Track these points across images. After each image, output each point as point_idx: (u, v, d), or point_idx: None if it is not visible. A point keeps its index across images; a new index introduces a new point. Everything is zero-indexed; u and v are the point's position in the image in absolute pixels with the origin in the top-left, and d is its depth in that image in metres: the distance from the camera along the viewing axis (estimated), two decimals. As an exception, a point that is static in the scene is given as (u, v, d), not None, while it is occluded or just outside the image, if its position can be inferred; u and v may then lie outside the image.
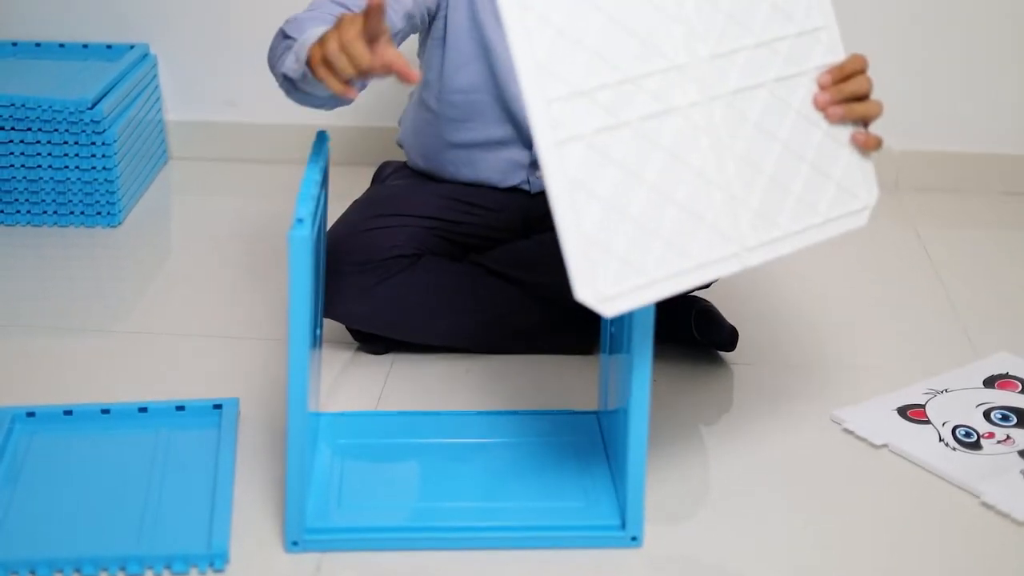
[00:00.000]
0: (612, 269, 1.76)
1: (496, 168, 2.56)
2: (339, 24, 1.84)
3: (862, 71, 1.96)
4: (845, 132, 1.94)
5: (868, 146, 1.95)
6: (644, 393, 1.92)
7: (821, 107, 1.93)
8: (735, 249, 1.85)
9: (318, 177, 1.99)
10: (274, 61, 2.18)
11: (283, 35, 2.19)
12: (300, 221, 1.82)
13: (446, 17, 2.42)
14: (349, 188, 2.86)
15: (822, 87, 1.93)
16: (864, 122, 1.96)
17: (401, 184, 2.66)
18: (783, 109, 1.90)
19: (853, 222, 1.96)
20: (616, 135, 1.78)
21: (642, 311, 1.87)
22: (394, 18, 2.29)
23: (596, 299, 1.75)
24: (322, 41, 1.85)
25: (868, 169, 1.96)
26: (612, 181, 1.77)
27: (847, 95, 1.94)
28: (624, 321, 1.97)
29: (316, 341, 2.12)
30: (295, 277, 1.84)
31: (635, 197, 1.79)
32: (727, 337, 2.54)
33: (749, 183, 1.87)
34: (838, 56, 1.94)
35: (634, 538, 2.01)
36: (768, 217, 1.88)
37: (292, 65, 2.04)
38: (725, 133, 1.85)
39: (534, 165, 2.54)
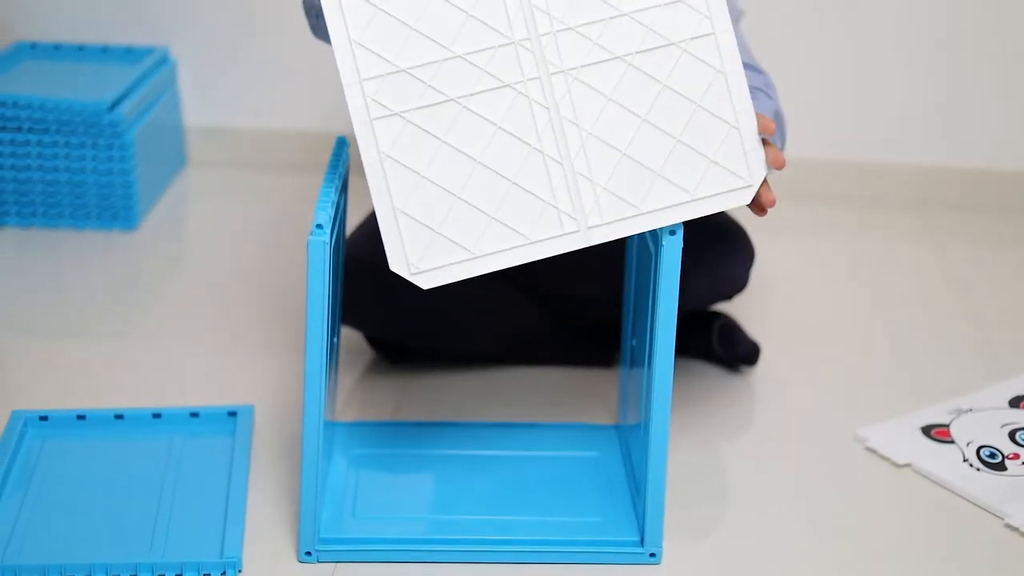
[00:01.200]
0: (426, 243, 1.79)
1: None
2: None
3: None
4: (726, 107, 1.83)
5: (777, 164, 1.84)
6: (665, 408, 1.90)
7: None
8: (575, 227, 1.82)
9: (337, 183, 1.97)
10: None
11: None
12: (319, 227, 1.81)
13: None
14: (369, 197, 2.84)
15: None
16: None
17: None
18: (646, 83, 1.81)
19: (733, 200, 1.84)
20: (440, 111, 1.78)
21: (665, 325, 1.85)
22: None
23: (408, 272, 1.79)
24: None
25: (752, 146, 1.84)
26: (432, 156, 1.78)
27: None
28: (646, 335, 1.94)
29: (333, 349, 2.09)
30: (313, 283, 1.82)
31: (458, 172, 1.79)
32: (749, 352, 2.52)
33: (598, 159, 1.81)
34: (722, 26, 1.82)
35: (653, 555, 1.99)
36: (620, 195, 1.82)
37: None
38: (569, 109, 1.80)
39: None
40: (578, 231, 1.82)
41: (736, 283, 2.47)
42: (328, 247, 1.82)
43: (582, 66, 1.80)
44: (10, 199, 3.07)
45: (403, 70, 1.77)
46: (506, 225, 1.80)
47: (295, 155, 3.44)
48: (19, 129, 3.03)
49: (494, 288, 2.47)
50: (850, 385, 2.53)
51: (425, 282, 1.80)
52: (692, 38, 1.82)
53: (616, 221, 1.82)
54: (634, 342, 2.09)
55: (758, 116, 1.84)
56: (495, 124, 1.79)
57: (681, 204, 1.83)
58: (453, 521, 2.04)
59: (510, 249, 1.81)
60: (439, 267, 1.80)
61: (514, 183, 1.80)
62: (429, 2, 1.77)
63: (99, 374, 2.49)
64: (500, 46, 1.79)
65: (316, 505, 1.94)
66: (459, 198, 1.79)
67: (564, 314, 2.50)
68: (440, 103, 1.78)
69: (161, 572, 1.93)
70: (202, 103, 3.46)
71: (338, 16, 1.75)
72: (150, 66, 3.26)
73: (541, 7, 1.79)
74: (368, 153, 1.77)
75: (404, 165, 1.78)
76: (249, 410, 2.29)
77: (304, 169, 3.37)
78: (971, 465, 2.25)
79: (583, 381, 2.51)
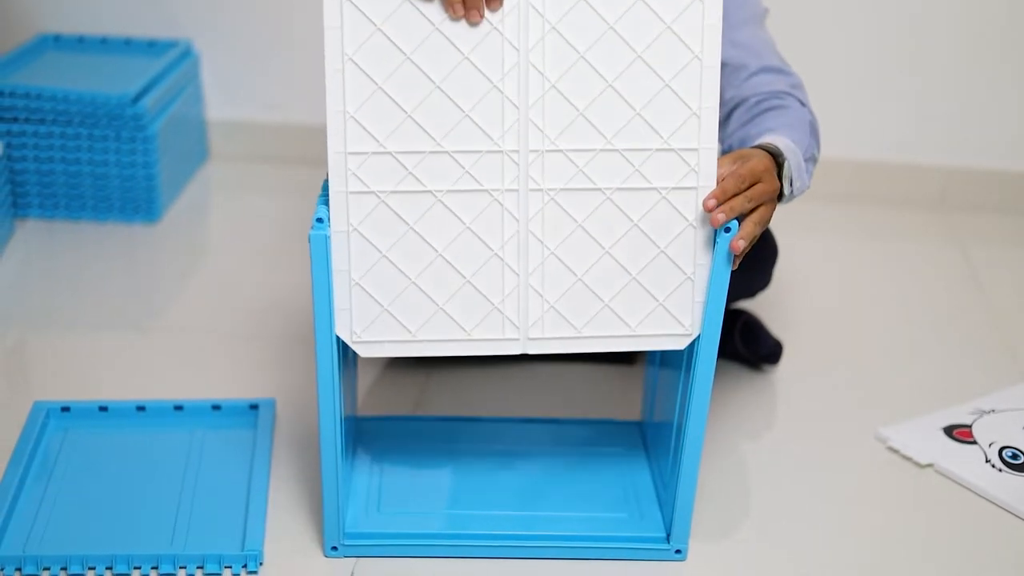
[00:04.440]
0: (372, 316, 1.85)
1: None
2: None
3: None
4: (688, 257, 1.85)
5: (736, 249, 1.80)
6: (703, 406, 1.90)
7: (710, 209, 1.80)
8: (516, 335, 1.87)
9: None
10: None
11: None
12: (320, 221, 1.81)
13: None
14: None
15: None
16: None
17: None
18: (617, 219, 1.84)
19: (668, 343, 1.89)
20: (416, 199, 1.81)
21: (709, 328, 1.85)
22: None
23: (350, 339, 1.86)
24: None
25: (702, 301, 1.86)
26: (397, 238, 1.83)
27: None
28: None
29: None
30: (317, 277, 1.82)
31: (419, 259, 1.84)
32: (771, 350, 2.51)
33: (553, 278, 1.86)
34: (707, 182, 1.82)
35: (679, 551, 1.99)
36: (565, 315, 1.87)
37: None
38: (538, 226, 1.83)
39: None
40: (518, 339, 1.88)
41: (759, 281, 2.47)
42: (329, 240, 1.81)
43: (561, 189, 1.82)
44: (33, 191, 3.07)
45: (389, 152, 1.79)
46: (451, 318, 1.86)
47: (317, 149, 3.42)
48: (42, 121, 3.04)
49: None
50: (872, 385, 2.52)
51: (364, 351, 1.87)
52: (674, 187, 1.83)
53: (555, 339, 1.88)
54: None
55: (732, 244, 1.80)
56: (464, 223, 1.83)
57: (620, 336, 1.89)
58: (478, 516, 2.04)
59: (449, 341, 1.88)
60: (379, 341, 1.87)
61: (469, 281, 1.85)
62: (430, 93, 1.78)
63: (121, 366, 2.49)
64: (488, 151, 1.81)
65: (339, 500, 1.94)
66: (414, 283, 1.84)
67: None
68: (417, 192, 1.81)
69: (182, 564, 1.93)
70: (225, 96, 3.46)
71: (339, 87, 1.77)
72: (173, 59, 3.27)
73: (537, 123, 1.80)
74: (338, 223, 1.81)
75: (369, 242, 1.82)
76: (271, 403, 2.30)
77: (326, 163, 3.36)
78: (993, 466, 2.25)
79: (605, 377, 2.50)
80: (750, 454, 2.29)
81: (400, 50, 1.76)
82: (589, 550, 1.99)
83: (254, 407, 2.29)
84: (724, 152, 2.10)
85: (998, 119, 3.34)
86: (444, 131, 1.79)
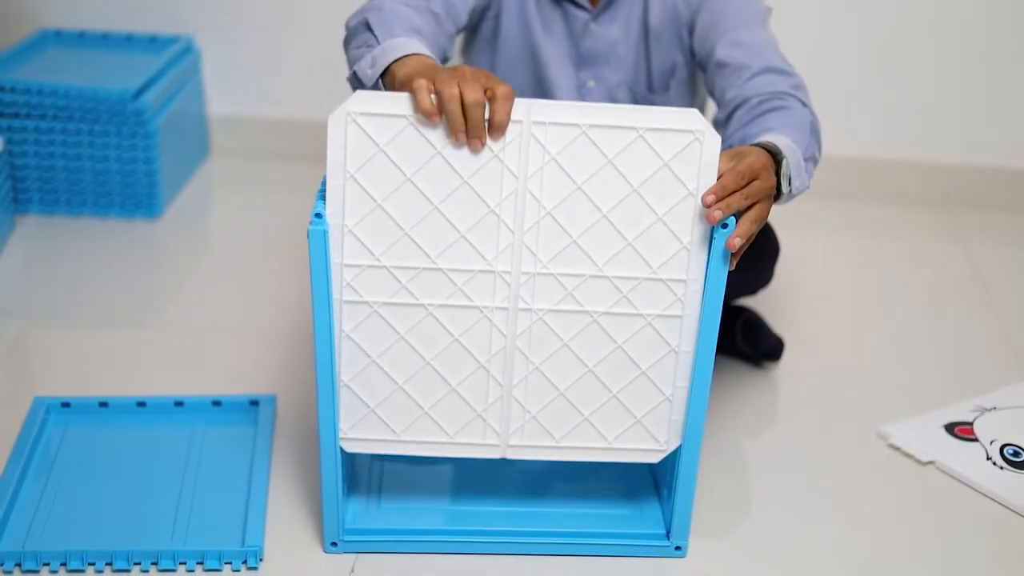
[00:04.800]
0: (359, 416, 1.91)
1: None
2: (461, 75, 1.76)
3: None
4: (668, 380, 1.89)
5: (732, 247, 1.78)
6: (702, 402, 1.90)
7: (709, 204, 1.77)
8: (496, 441, 1.93)
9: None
10: (349, 48, 2.09)
11: (366, 25, 2.05)
12: (318, 216, 1.81)
13: (497, 18, 2.39)
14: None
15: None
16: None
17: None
18: (602, 341, 1.87)
19: (643, 457, 1.95)
20: (408, 311, 1.84)
21: (708, 325, 1.85)
22: (461, 11, 2.23)
23: (336, 436, 1.91)
24: (438, 79, 1.76)
25: (679, 419, 1.91)
26: (388, 346, 1.87)
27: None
28: None
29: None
30: (316, 272, 1.82)
31: (407, 366, 1.88)
32: (772, 347, 2.51)
33: (536, 392, 1.89)
34: (689, 311, 1.85)
35: (678, 548, 1.99)
36: (545, 426, 1.91)
37: (367, 70, 1.97)
38: (525, 342, 1.86)
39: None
40: (498, 445, 1.93)
41: (761, 278, 2.47)
42: (328, 236, 1.81)
43: (550, 310, 1.85)
44: (33, 186, 3.07)
45: (385, 267, 1.82)
46: (435, 422, 1.91)
47: (318, 145, 3.41)
48: (43, 117, 3.03)
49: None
50: (873, 382, 2.52)
51: (350, 447, 1.93)
52: (659, 315, 1.86)
53: (534, 447, 1.92)
54: None
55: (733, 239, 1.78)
56: (454, 336, 1.86)
57: (596, 448, 1.94)
58: (478, 512, 2.04)
59: (431, 443, 1.93)
60: (365, 439, 1.92)
61: (454, 390, 1.88)
62: (428, 214, 1.79)
63: (121, 361, 2.49)
64: (481, 271, 1.83)
65: (339, 496, 1.94)
66: (401, 388, 1.88)
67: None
68: (410, 304, 1.84)
69: (182, 560, 1.93)
70: (226, 92, 3.46)
71: (339, 202, 1.79)
72: (174, 55, 3.27)
73: (531, 247, 1.82)
74: (336, 328, 1.84)
75: (360, 348, 1.86)
76: (271, 399, 2.29)
77: (326, 159, 3.36)
78: (995, 463, 2.25)
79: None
80: (750, 451, 2.29)
81: (401, 171, 1.77)
82: (589, 547, 1.99)
83: (254, 403, 2.29)
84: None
85: (1000, 117, 3.34)
86: (439, 250, 1.81)
